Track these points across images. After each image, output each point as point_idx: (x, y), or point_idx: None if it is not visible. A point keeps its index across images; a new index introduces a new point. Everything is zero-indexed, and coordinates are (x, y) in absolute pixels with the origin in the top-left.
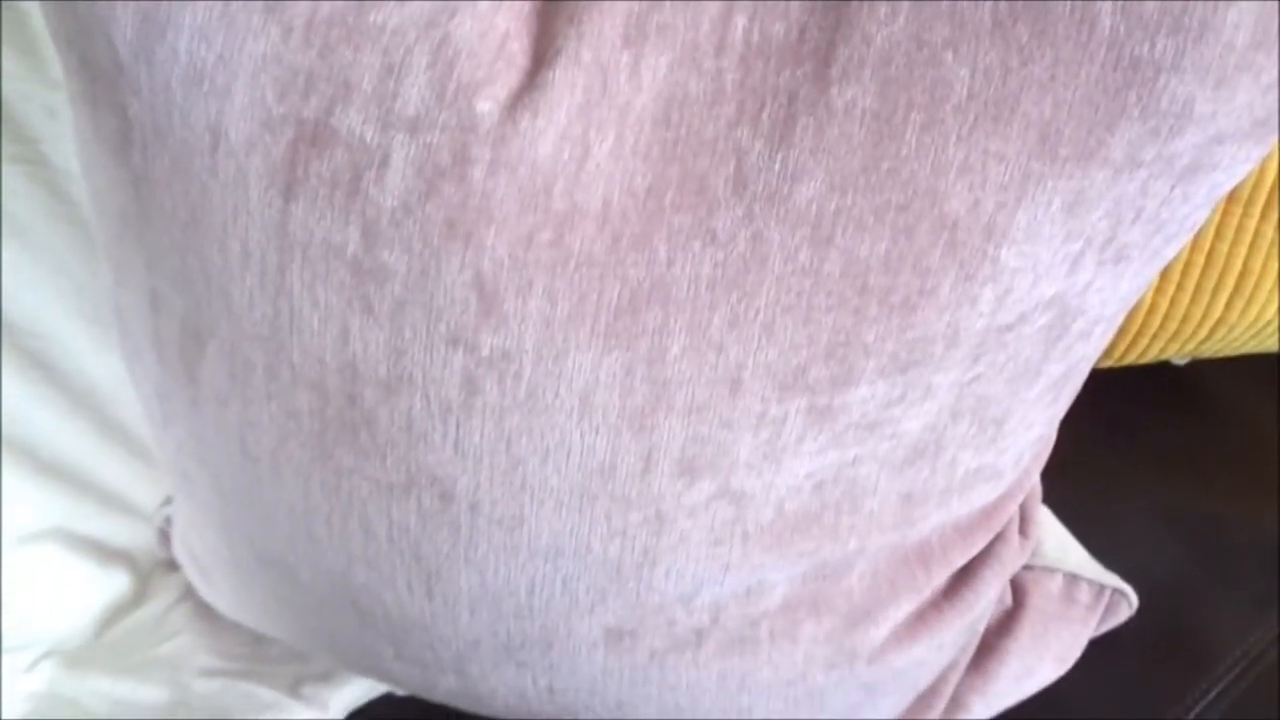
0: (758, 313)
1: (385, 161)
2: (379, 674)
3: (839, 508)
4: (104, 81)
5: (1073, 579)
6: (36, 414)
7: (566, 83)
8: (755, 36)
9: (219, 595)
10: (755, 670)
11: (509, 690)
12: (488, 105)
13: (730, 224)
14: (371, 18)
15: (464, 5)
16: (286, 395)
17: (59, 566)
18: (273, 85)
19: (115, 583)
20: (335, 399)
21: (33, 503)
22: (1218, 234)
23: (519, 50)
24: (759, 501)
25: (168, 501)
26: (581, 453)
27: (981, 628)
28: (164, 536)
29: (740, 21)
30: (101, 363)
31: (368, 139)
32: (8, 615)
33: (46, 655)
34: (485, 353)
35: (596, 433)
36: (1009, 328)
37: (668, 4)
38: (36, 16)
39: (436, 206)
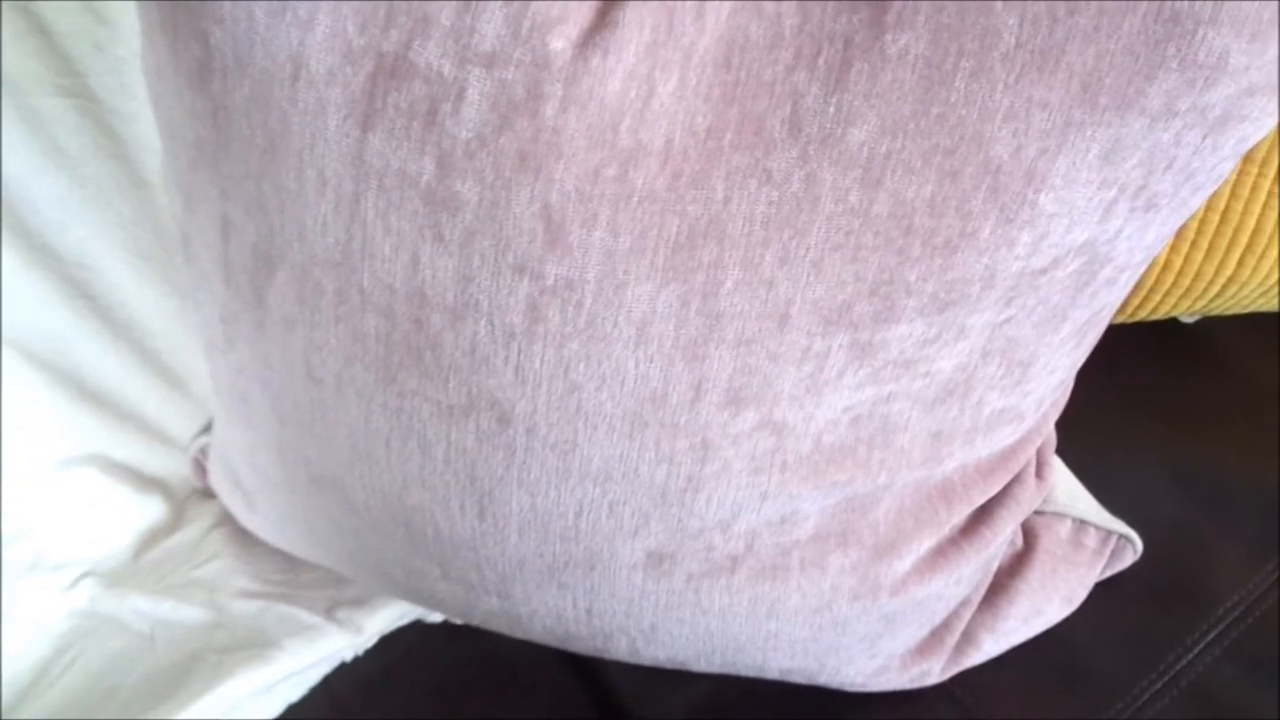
0: (808, 250)
1: (461, 95)
2: (422, 595)
3: (872, 442)
4: (185, 10)
5: (1081, 524)
6: (81, 343)
7: (635, 22)
8: None
9: (262, 521)
10: (784, 598)
11: (548, 611)
12: (560, 43)
13: (785, 164)
14: None
15: None
16: (355, 319)
17: (98, 491)
18: (354, 17)
19: (152, 508)
20: (402, 323)
21: (75, 428)
22: (1233, 193)
23: None
24: (799, 433)
25: (204, 431)
26: (636, 380)
27: (994, 567)
28: (199, 466)
29: None
30: (143, 295)
31: (445, 73)
32: (49, 535)
33: (86, 575)
34: (549, 281)
35: (651, 361)
36: (1042, 271)
37: None
38: None
39: (509, 140)
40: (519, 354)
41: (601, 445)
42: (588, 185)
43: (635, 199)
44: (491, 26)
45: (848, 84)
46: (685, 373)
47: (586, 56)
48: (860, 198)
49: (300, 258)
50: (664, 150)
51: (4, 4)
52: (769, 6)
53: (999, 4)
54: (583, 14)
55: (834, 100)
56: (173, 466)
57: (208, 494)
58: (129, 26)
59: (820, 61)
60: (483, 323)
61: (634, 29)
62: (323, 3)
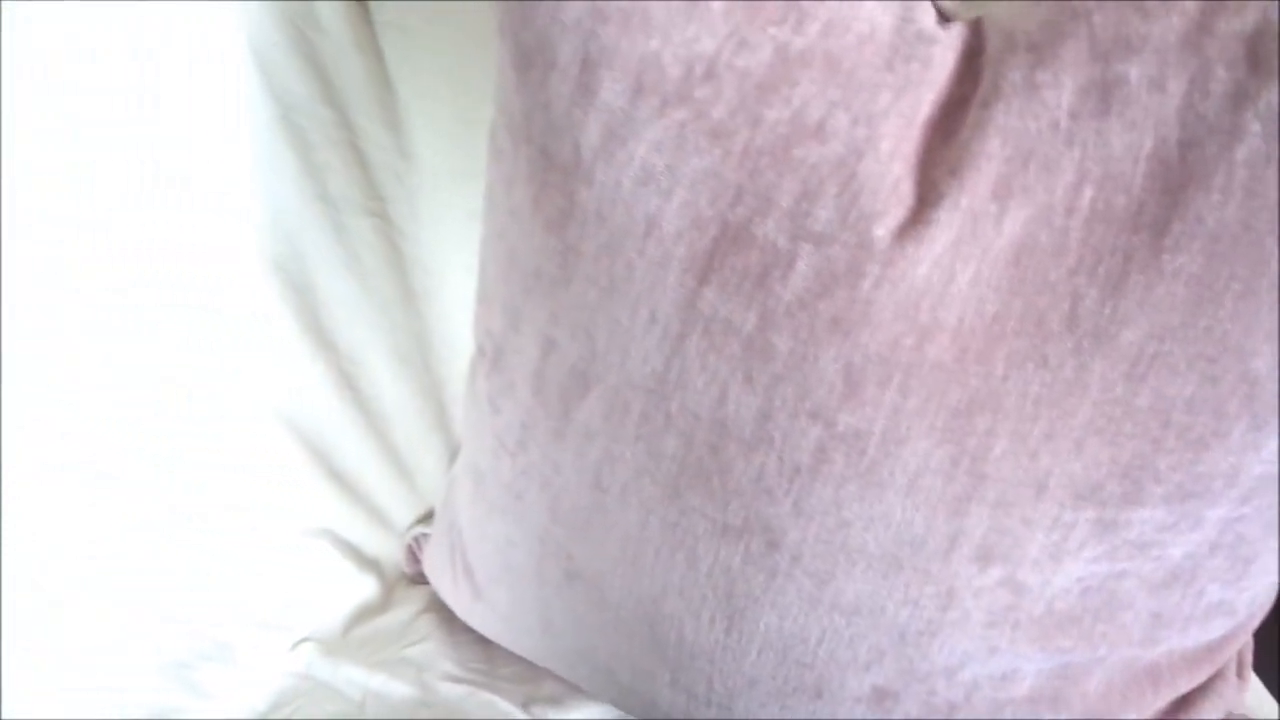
0: (1072, 430)
1: (791, 264)
2: (640, 699)
3: (1098, 614)
4: (559, 170)
5: None
6: (339, 428)
7: (946, 222)
8: (1100, 205)
9: (485, 610)
10: None
11: None
12: (881, 231)
13: (1060, 353)
14: (796, 152)
15: (869, 151)
16: (655, 439)
17: (325, 564)
18: (707, 193)
19: (366, 587)
20: (698, 448)
21: (318, 503)
22: None
23: (907, 191)
24: (1034, 595)
25: (419, 522)
26: (900, 525)
27: None
28: (411, 554)
29: (1089, 191)
30: (397, 392)
31: (779, 245)
32: (278, 598)
33: (305, 640)
34: (840, 429)
35: (917, 510)
36: None
37: (1031, 170)
38: (409, 106)
39: (827, 306)
40: (800, 488)
41: (857, 580)
42: (887, 351)
43: (926, 367)
44: (825, 212)
45: (1124, 292)
46: (945, 524)
47: (903, 244)
48: (1125, 390)
49: (616, 381)
50: (955, 328)
51: (333, 140)
52: (1058, 220)
53: (1271, 240)
54: (902, 209)
55: (1110, 304)
56: (388, 550)
57: (414, 580)
58: (426, 162)
59: (1100, 270)
60: (773, 457)
61: (944, 227)
62: (683, 179)
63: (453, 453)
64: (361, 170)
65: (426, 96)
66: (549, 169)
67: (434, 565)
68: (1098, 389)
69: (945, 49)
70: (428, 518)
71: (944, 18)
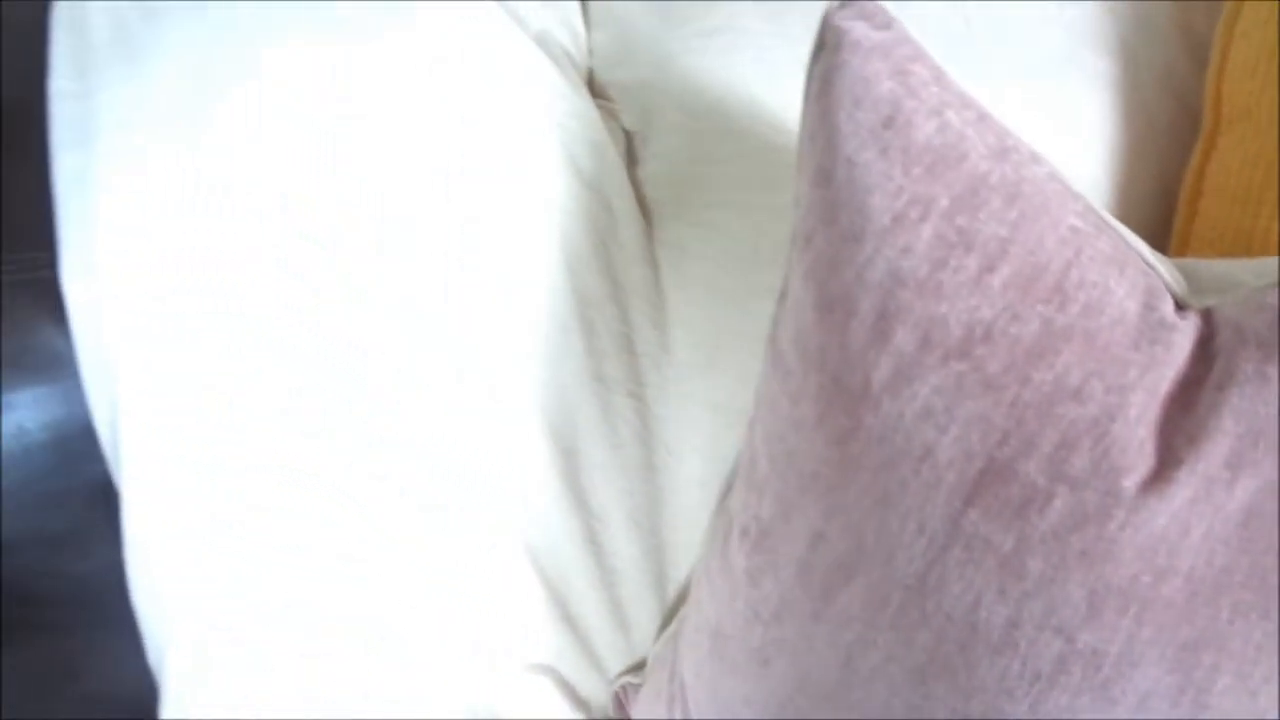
0: None
1: (1048, 501)
2: None
3: None
4: (846, 395)
5: None
6: (577, 575)
7: (1184, 482)
8: None
9: None
10: None
11: None
12: (1128, 483)
13: None
14: (1057, 409)
15: (1119, 416)
16: (909, 632)
17: (544, 698)
18: (978, 433)
19: None
20: (947, 645)
21: (546, 640)
22: None
23: (1150, 452)
24: None
25: (628, 671)
26: None
27: None
28: (618, 700)
29: None
30: (629, 551)
31: (1039, 483)
32: None
33: None
34: (1079, 646)
35: None
36: None
37: (1260, 448)
38: (675, 310)
39: (1077, 539)
40: (1038, 693)
41: None
42: (1127, 584)
43: (1160, 604)
44: (1080, 461)
45: None
46: None
47: (1146, 497)
48: None
49: (879, 576)
50: (1187, 574)
51: (613, 332)
52: None
53: None
54: (1145, 467)
55: None
56: (597, 694)
57: None
58: (682, 358)
59: None
60: (1016, 662)
61: (1182, 486)
62: (958, 419)
63: (666, 611)
64: (630, 358)
65: (690, 304)
66: (838, 394)
67: (646, 714)
68: None
69: (1183, 335)
70: (636, 668)
71: (1180, 306)
